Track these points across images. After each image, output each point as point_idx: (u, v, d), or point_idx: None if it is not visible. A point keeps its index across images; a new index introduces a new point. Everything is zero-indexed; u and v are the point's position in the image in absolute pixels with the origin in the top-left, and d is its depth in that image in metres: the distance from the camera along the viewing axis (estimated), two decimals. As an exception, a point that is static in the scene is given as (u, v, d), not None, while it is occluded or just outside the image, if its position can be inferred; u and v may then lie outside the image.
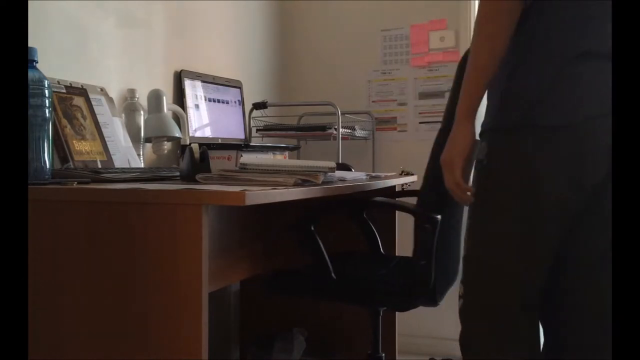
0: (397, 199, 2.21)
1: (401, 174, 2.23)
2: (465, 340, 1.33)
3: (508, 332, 1.28)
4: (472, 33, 3.03)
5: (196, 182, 1.28)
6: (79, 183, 1.24)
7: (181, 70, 2.30)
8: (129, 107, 1.93)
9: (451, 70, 2.93)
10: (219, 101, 2.49)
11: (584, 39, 1.20)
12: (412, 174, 2.25)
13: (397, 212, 2.29)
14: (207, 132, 2.38)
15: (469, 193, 1.31)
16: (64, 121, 1.58)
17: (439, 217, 1.57)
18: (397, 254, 2.26)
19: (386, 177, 1.98)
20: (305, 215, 1.68)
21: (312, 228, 1.66)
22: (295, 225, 1.65)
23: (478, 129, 1.33)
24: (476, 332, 1.32)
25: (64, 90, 1.64)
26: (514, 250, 1.24)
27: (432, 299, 1.64)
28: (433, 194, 1.57)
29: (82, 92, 1.70)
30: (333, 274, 1.65)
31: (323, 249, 1.66)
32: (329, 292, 1.70)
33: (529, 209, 1.22)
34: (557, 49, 1.21)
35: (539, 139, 1.20)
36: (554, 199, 1.21)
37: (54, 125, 1.50)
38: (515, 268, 1.25)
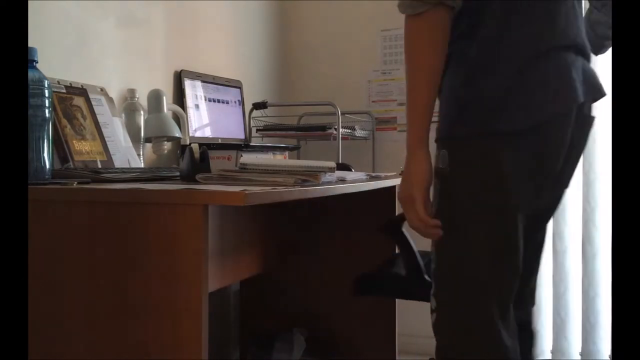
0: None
1: (401, 174, 2.23)
2: (443, 355, 1.28)
3: (488, 343, 1.22)
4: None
5: (196, 182, 1.28)
6: (79, 183, 1.24)
7: (181, 70, 2.30)
8: (129, 107, 1.93)
9: (451, 70, 2.93)
10: (219, 101, 2.49)
11: (542, 38, 1.16)
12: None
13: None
14: (207, 132, 2.38)
15: (437, 226, 1.20)
16: (64, 121, 1.58)
17: None
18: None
19: (386, 177, 1.98)
20: (396, 216, 1.67)
21: (403, 229, 1.64)
22: (387, 226, 1.64)
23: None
24: (455, 346, 1.26)
25: (64, 90, 1.64)
26: (487, 259, 1.19)
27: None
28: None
29: (82, 92, 1.70)
30: (426, 275, 1.66)
31: (416, 251, 1.66)
32: (421, 292, 1.63)
33: (498, 215, 1.17)
34: (514, 50, 1.15)
35: (501, 144, 1.15)
36: (521, 203, 1.18)
37: (54, 125, 1.50)
38: (491, 277, 1.20)
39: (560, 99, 1.15)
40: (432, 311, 1.28)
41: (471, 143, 1.17)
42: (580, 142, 1.24)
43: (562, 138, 1.18)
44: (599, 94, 1.22)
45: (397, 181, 2.05)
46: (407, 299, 1.99)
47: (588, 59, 1.24)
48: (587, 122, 1.22)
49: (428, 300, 1.31)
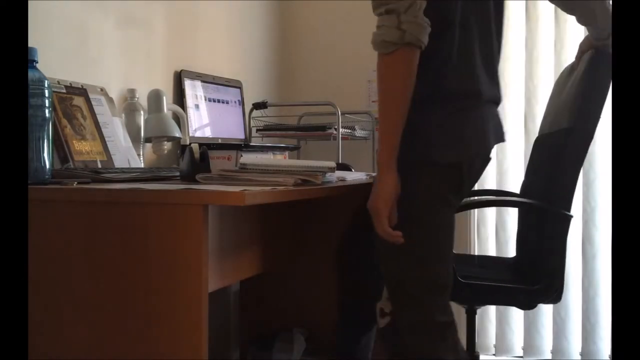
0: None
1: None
2: (399, 355, 1.40)
3: (440, 341, 1.38)
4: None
5: (196, 182, 1.28)
6: (79, 183, 1.24)
7: (181, 70, 2.30)
8: (129, 107, 1.93)
9: (451, 70, 2.93)
10: (219, 101, 2.49)
11: (468, 92, 1.39)
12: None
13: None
14: (207, 132, 2.38)
15: (398, 236, 1.35)
16: (64, 121, 1.58)
17: (572, 214, 1.68)
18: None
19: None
20: None
21: None
22: None
23: None
24: (410, 346, 1.38)
25: (64, 90, 1.64)
26: (428, 266, 1.39)
27: (559, 295, 1.70)
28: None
29: (82, 92, 1.70)
30: (459, 277, 1.67)
31: None
32: (453, 294, 1.68)
33: (433, 231, 1.39)
34: (447, 98, 1.37)
35: (437, 172, 1.37)
36: (447, 222, 1.40)
37: (54, 125, 1.50)
38: (434, 283, 1.39)
39: (478, 144, 1.41)
40: (384, 314, 1.44)
41: (414, 168, 1.37)
42: (480, 173, 1.51)
43: (477, 171, 1.47)
44: (502, 139, 1.50)
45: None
46: None
47: (498, 107, 1.54)
48: (488, 160, 1.50)
49: (460, 303, 1.64)
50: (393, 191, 1.33)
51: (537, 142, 1.99)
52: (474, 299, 1.83)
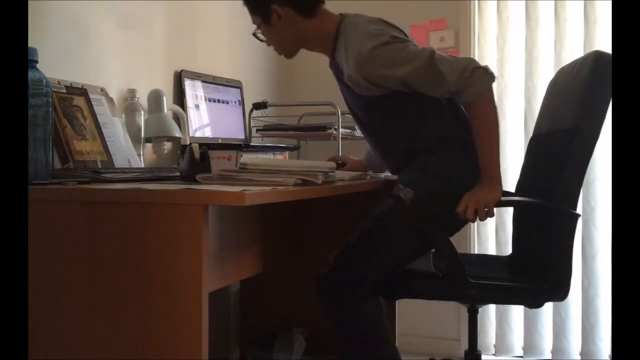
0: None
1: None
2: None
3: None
4: (471, 33, 3.03)
5: (196, 182, 1.28)
6: (79, 183, 1.24)
7: (181, 70, 2.30)
8: (129, 107, 1.93)
9: (451, 70, 2.92)
10: (219, 101, 2.49)
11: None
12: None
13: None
14: (207, 132, 2.38)
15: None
16: (64, 121, 1.58)
17: (579, 213, 1.72)
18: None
19: (386, 177, 1.98)
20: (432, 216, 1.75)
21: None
22: (428, 226, 1.70)
23: None
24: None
25: (64, 90, 1.64)
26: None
27: (567, 292, 1.72)
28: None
29: (82, 92, 1.70)
30: (468, 277, 1.68)
31: (457, 252, 1.70)
32: (462, 294, 1.74)
33: (419, 238, 1.70)
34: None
35: (442, 201, 1.70)
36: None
37: (54, 125, 1.50)
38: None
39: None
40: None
41: (426, 195, 1.69)
42: None
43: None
44: None
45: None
46: (442, 299, 2.01)
47: None
48: None
49: (468, 302, 1.83)
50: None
51: (536, 141, 1.99)
52: (482, 299, 1.84)
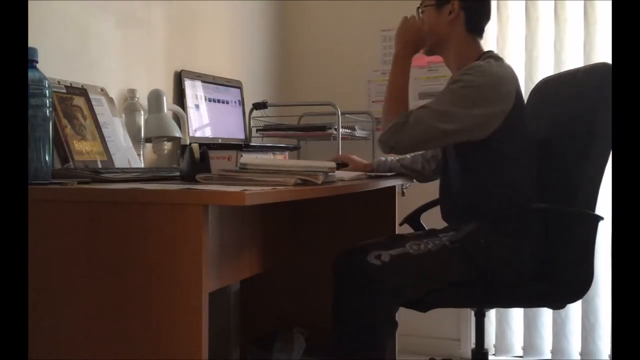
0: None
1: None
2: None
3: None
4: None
5: (196, 182, 1.28)
6: (79, 183, 1.24)
7: (181, 70, 2.30)
8: (129, 107, 1.93)
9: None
10: (219, 101, 2.49)
11: None
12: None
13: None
14: (207, 132, 2.38)
15: None
16: (64, 121, 1.58)
17: (603, 216, 1.75)
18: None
19: (386, 177, 1.98)
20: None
21: None
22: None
23: None
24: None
25: (64, 90, 1.64)
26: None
27: (586, 291, 1.80)
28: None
29: (82, 92, 1.70)
30: (494, 284, 1.69)
31: None
32: (491, 300, 1.79)
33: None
34: None
35: None
36: None
37: (54, 125, 1.50)
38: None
39: None
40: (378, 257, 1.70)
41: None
42: None
43: None
44: None
45: (397, 181, 2.06)
46: (473, 307, 2.02)
47: None
48: None
49: (490, 307, 1.85)
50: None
51: (539, 145, 1.96)
52: (503, 303, 1.91)
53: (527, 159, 1.80)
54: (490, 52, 1.85)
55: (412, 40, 1.88)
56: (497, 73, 1.72)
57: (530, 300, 1.86)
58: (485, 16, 1.87)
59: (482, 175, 1.76)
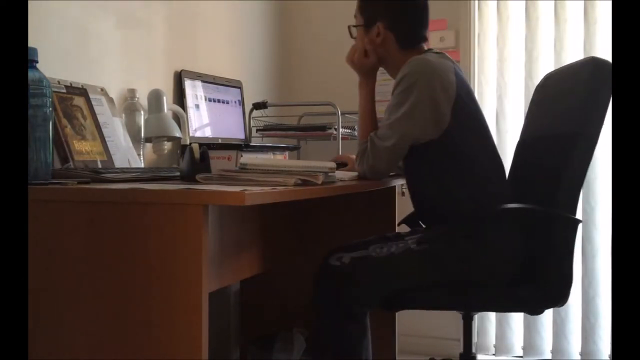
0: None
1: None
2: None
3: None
4: (471, 33, 3.03)
5: (196, 182, 1.28)
6: (79, 183, 1.24)
7: (181, 70, 2.30)
8: (129, 107, 1.93)
9: (451, 70, 2.93)
10: (219, 101, 2.49)
11: None
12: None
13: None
14: (207, 132, 2.38)
15: None
16: (64, 121, 1.58)
17: (580, 219, 1.68)
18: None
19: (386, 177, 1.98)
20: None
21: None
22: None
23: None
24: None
25: (64, 90, 1.64)
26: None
27: (566, 299, 1.70)
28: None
29: (82, 92, 1.70)
30: (465, 287, 1.67)
31: None
32: (464, 304, 1.73)
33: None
34: None
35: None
36: None
37: (54, 125, 1.50)
38: None
39: None
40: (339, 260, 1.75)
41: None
42: None
43: None
44: None
45: (397, 181, 2.06)
46: (442, 309, 1.98)
47: None
48: None
49: (459, 310, 1.82)
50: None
51: (529, 145, 1.95)
52: (479, 307, 1.84)
53: (493, 158, 1.76)
54: (430, 49, 1.83)
55: (363, 68, 1.89)
56: (432, 62, 1.69)
57: (504, 304, 1.79)
58: (419, 26, 1.83)
59: (444, 176, 1.72)
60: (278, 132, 2.73)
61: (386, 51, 1.84)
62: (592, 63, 1.69)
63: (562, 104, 1.79)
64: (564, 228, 1.67)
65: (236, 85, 2.62)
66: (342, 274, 1.66)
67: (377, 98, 2.01)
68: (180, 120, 2.15)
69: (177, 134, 2.01)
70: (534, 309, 1.75)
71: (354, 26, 1.89)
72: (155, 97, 2.02)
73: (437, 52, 1.79)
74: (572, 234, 1.69)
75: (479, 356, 2.92)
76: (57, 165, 1.52)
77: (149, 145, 2.04)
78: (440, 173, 1.72)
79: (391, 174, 1.86)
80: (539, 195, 1.76)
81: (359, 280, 1.65)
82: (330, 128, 2.61)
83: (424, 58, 1.71)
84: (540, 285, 1.69)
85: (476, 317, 1.96)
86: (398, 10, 1.81)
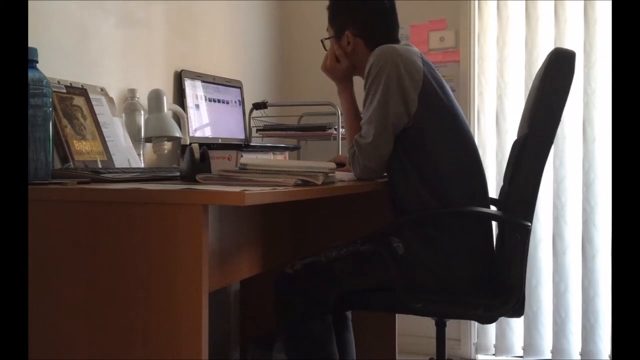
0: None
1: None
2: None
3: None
4: (471, 33, 3.03)
5: (196, 182, 1.28)
6: (79, 183, 1.24)
7: (181, 70, 2.30)
8: (129, 107, 1.93)
9: (451, 70, 2.93)
10: (219, 101, 2.49)
11: None
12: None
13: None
14: (207, 132, 2.38)
15: None
16: (64, 121, 1.58)
17: (530, 224, 1.58)
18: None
19: (386, 177, 1.98)
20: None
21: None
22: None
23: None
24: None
25: (64, 90, 1.64)
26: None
27: (521, 308, 1.63)
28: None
29: (82, 92, 1.70)
30: (415, 291, 1.64)
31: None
32: (409, 308, 1.68)
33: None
34: None
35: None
36: None
37: (54, 125, 1.50)
38: None
39: None
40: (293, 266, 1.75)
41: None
42: None
43: None
44: None
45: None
46: (394, 312, 1.98)
47: None
48: None
49: (417, 314, 1.74)
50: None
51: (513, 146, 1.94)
52: (433, 313, 1.79)
53: (467, 154, 1.72)
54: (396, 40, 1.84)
55: (337, 73, 1.91)
56: (397, 48, 1.69)
57: (456, 311, 1.73)
58: (387, 30, 1.84)
59: (409, 169, 1.69)
60: (278, 132, 2.73)
61: (358, 58, 1.86)
62: (549, 56, 1.62)
63: (527, 102, 1.75)
64: (513, 234, 1.59)
65: (236, 85, 2.62)
66: (294, 279, 1.69)
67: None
68: (180, 120, 2.15)
69: (177, 134, 2.01)
70: (483, 317, 1.68)
71: (327, 39, 1.92)
72: (155, 97, 2.02)
73: (405, 44, 1.79)
74: (521, 241, 1.58)
75: (479, 356, 2.92)
76: (57, 165, 1.52)
77: (149, 145, 2.04)
78: (407, 165, 1.69)
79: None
80: (502, 198, 1.73)
81: (308, 284, 1.68)
82: (330, 128, 2.61)
83: (388, 45, 1.72)
84: (489, 292, 1.63)
85: (445, 330, 1.91)
86: (364, 17, 1.83)
